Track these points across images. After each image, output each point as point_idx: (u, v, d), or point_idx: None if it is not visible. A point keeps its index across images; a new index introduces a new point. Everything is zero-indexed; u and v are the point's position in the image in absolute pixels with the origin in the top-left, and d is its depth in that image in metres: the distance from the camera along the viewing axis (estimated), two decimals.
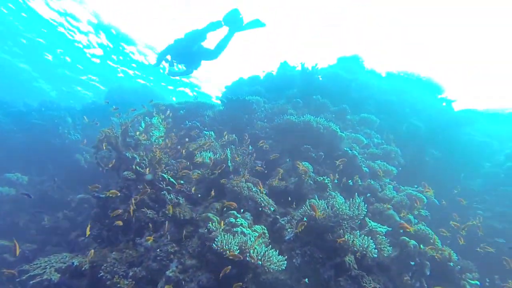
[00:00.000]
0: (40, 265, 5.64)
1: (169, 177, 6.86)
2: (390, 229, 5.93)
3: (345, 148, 7.75)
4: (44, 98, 19.24)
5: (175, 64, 10.68)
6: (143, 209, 6.29)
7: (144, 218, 6.24)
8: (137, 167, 6.85)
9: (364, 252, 4.95)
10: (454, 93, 23.78)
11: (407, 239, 6.13)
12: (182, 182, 7.00)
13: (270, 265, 4.53)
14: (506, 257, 6.75)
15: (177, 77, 17.37)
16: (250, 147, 7.58)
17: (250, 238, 4.98)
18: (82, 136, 16.84)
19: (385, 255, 5.45)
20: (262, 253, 4.61)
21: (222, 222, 5.57)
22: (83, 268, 5.57)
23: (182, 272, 5.25)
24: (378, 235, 5.60)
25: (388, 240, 5.67)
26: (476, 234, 8.11)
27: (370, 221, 5.87)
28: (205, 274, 5.12)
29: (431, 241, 6.24)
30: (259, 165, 7.26)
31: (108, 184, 9.56)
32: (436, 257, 6.17)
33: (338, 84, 11.49)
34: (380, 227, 5.70)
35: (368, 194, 7.24)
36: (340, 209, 5.33)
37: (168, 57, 10.31)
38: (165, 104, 9.99)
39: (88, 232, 5.75)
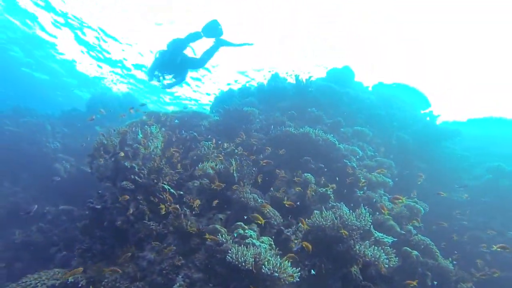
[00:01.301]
0: (30, 283, 5.22)
1: (169, 187, 6.65)
2: (396, 239, 6.01)
3: (345, 160, 7.86)
4: (19, 104, 18.25)
5: (163, 77, 10.69)
6: (144, 221, 6.04)
7: (145, 230, 5.99)
8: (136, 177, 6.60)
9: (376, 263, 4.96)
10: (439, 105, 24.71)
11: (409, 249, 6.23)
12: (181, 193, 6.80)
13: (286, 276, 4.44)
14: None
15: (173, 89, 17.27)
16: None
17: (262, 250, 4.88)
18: (62, 145, 16.09)
19: (392, 265, 5.49)
20: (278, 264, 4.51)
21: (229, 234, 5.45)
22: (80, 285, 5.23)
23: (190, 286, 5.05)
24: (384, 246, 5.64)
25: (394, 250, 5.73)
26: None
27: (376, 231, 5.93)
28: None
29: (433, 251, 6.37)
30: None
31: (91, 196, 9.15)
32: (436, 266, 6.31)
33: (331, 97, 11.74)
34: (386, 238, 5.77)
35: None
36: (349, 220, 5.35)
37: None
38: (157, 112, 9.76)
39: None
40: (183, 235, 5.67)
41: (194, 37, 10.03)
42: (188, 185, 7.06)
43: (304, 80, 11.28)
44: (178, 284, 5.00)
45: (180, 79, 11.06)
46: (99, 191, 6.82)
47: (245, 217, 5.74)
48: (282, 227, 6.25)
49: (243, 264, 4.40)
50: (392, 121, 11.99)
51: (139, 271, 5.45)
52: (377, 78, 22.31)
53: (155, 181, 6.59)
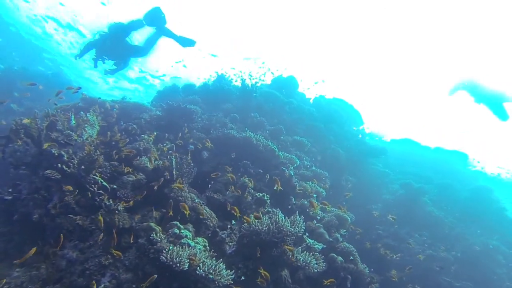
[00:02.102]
0: None
1: (101, 180, 6.17)
2: (325, 246, 6.39)
3: (283, 168, 8.13)
4: None
5: (102, 62, 10.15)
6: (69, 215, 5.49)
7: (68, 226, 5.45)
8: (64, 166, 5.99)
9: (307, 267, 5.21)
10: (369, 123, 26.82)
11: (335, 255, 6.66)
12: (114, 186, 6.35)
13: (220, 279, 4.42)
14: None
15: (112, 76, 16.19)
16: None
17: (197, 251, 4.81)
18: None
19: (320, 270, 5.81)
20: (213, 266, 4.47)
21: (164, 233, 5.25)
22: None
23: (117, 287, 4.74)
24: (315, 252, 5.96)
25: (322, 256, 6.08)
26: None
27: (308, 238, 6.23)
28: None
29: (354, 257, 6.89)
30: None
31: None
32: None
33: (274, 104, 12.07)
34: (316, 244, 6.09)
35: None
36: (284, 226, 5.54)
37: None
38: (94, 98, 9.01)
39: None
40: (112, 232, 5.29)
41: (136, 24, 9.64)
42: (123, 179, 6.63)
43: (250, 85, 11.44)
44: (103, 285, 4.67)
45: (122, 66, 10.49)
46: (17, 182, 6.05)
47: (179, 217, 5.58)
48: (217, 229, 6.23)
49: (178, 265, 4.28)
50: (329, 135, 12.77)
51: (56, 272, 4.95)
52: (317, 91, 23.73)
53: (86, 172, 6.05)
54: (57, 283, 4.74)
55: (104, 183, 6.19)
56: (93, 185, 6.04)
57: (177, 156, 6.26)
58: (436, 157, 20.25)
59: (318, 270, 5.68)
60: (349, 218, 8.03)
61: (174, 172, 6.01)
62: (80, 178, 6.07)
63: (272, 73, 18.77)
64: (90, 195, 5.81)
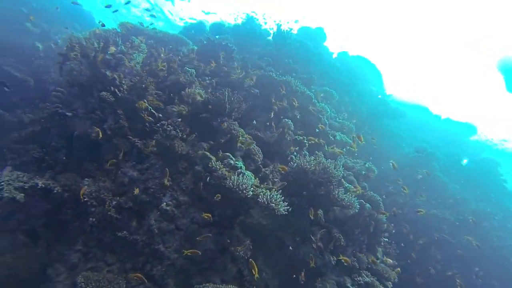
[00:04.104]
0: None
1: (150, 107, 6.24)
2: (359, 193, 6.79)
3: (319, 115, 8.29)
4: None
5: None
6: (126, 137, 5.67)
7: (125, 146, 5.64)
8: (116, 90, 6.03)
9: (350, 207, 5.59)
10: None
11: (363, 201, 7.07)
12: (160, 115, 6.43)
13: (279, 208, 4.74)
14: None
15: None
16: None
17: (256, 181, 5.09)
18: None
19: (354, 212, 6.21)
20: (273, 196, 4.77)
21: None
22: (55, 191, 4.82)
23: (177, 207, 5.07)
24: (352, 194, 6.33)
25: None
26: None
27: (345, 182, 6.57)
28: (198, 212, 5.07)
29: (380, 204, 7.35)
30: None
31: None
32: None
33: (304, 53, 11.87)
34: (353, 188, 6.45)
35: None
36: (330, 167, 5.80)
37: None
38: (134, 25, 8.72)
39: None
40: (169, 157, 5.51)
41: None
42: (167, 109, 6.69)
43: (285, 30, 11.14)
44: (165, 203, 4.98)
45: None
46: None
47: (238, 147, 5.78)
48: (260, 165, 6.48)
49: (244, 191, 4.55)
50: (353, 90, 12.78)
51: (120, 186, 5.24)
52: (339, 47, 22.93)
53: (138, 97, 6.12)
54: (123, 196, 5.05)
55: (153, 111, 6.28)
56: (143, 111, 6.15)
57: (228, 90, 6.28)
58: (446, 127, 20.49)
59: (356, 211, 6.08)
60: (375, 170, 8.38)
61: (227, 106, 6.08)
62: (131, 103, 6.16)
63: (296, 21, 18.22)
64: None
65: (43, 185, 4.83)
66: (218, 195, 4.65)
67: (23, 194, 4.55)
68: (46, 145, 5.92)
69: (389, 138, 14.63)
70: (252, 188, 4.69)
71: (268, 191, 4.84)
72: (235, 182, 4.62)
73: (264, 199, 4.64)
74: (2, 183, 4.55)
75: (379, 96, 15.18)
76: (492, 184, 15.98)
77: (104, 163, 5.48)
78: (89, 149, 5.71)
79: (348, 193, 6.13)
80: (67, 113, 5.76)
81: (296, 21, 17.97)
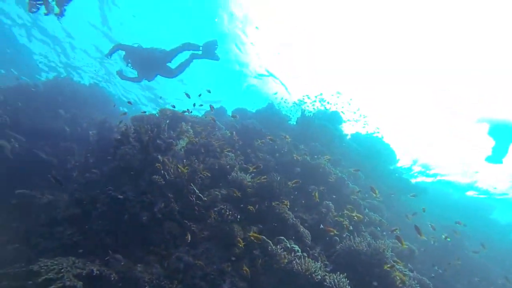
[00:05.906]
0: (53, 268, 4.44)
1: (197, 191, 6.33)
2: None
3: (354, 197, 8.37)
4: None
5: (129, 65, 10.38)
6: (184, 221, 5.63)
7: (176, 230, 5.55)
8: (166, 173, 6.21)
9: None
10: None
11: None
12: (205, 198, 6.49)
13: None
14: None
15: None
16: None
17: (317, 264, 4.90)
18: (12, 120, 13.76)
19: None
20: (338, 280, 4.55)
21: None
22: (112, 278, 4.60)
23: None
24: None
25: None
26: None
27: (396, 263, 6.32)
28: None
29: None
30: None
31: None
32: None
33: (325, 135, 12.44)
34: (407, 271, 6.18)
35: None
36: (381, 249, 5.65)
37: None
38: (173, 111, 9.26)
39: None
40: (223, 241, 5.39)
41: (191, 47, 9.72)
42: (211, 192, 6.76)
43: (309, 115, 11.90)
44: None
45: (141, 78, 10.78)
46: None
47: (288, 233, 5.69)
48: (308, 248, 6.29)
49: (313, 275, 4.37)
50: (373, 171, 13.08)
51: (175, 272, 5.01)
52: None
53: (187, 181, 6.26)
54: (180, 284, 4.79)
55: (200, 194, 6.35)
56: (192, 195, 6.22)
57: (277, 175, 6.46)
58: (466, 203, 20.16)
59: None
60: (416, 250, 8.10)
61: (277, 189, 6.18)
62: (181, 186, 6.27)
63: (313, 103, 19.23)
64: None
65: (98, 272, 4.63)
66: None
67: (81, 282, 4.33)
68: (89, 229, 5.82)
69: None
70: (320, 272, 4.49)
71: (333, 274, 4.63)
72: (303, 265, 4.46)
73: (332, 283, 4.42)
74: (61, 269, 4.37)
75: (396, 175, 15.45)
76: None
77: (156, 248, 5.33)
78: (137, 232, 5.60)
79: (406, 275, 5.84)
80: (119, 196, 5.79)
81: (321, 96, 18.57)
